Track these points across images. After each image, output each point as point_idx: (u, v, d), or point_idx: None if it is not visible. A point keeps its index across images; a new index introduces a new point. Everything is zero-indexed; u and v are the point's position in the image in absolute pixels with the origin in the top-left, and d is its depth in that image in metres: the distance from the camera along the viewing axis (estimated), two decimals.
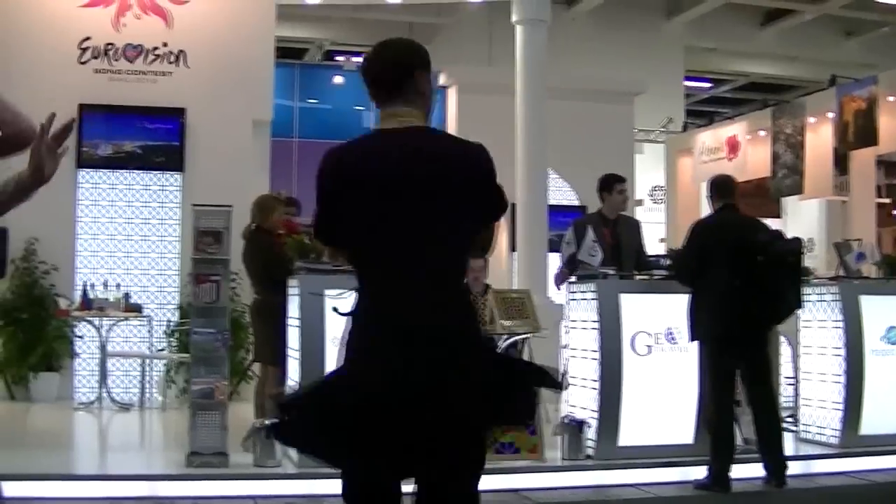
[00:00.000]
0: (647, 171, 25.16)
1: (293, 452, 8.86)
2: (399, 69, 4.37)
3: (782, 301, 9.17)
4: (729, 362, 9.14)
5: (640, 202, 23.59)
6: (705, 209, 22.84)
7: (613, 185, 10.93)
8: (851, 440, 10.45)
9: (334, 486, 8.37)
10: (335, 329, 8.91)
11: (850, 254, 11.39)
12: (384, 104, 4.32)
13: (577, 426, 9.61)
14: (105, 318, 13.71)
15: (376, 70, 4.41)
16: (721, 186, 9.64)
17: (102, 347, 13.65)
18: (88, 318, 13.76)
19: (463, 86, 19.80)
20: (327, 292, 8.93)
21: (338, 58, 24.36)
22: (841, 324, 10.48)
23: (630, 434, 9.60)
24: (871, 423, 10.52)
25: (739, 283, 8.95)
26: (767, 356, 9.49)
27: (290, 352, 9.63)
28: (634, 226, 11.23)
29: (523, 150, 15.53)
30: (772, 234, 9.33)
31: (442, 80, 20.26)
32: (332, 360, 8.86)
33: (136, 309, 14.00)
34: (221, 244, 9.43)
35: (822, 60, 26.60)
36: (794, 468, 9.57)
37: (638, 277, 10.41)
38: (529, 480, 9.16)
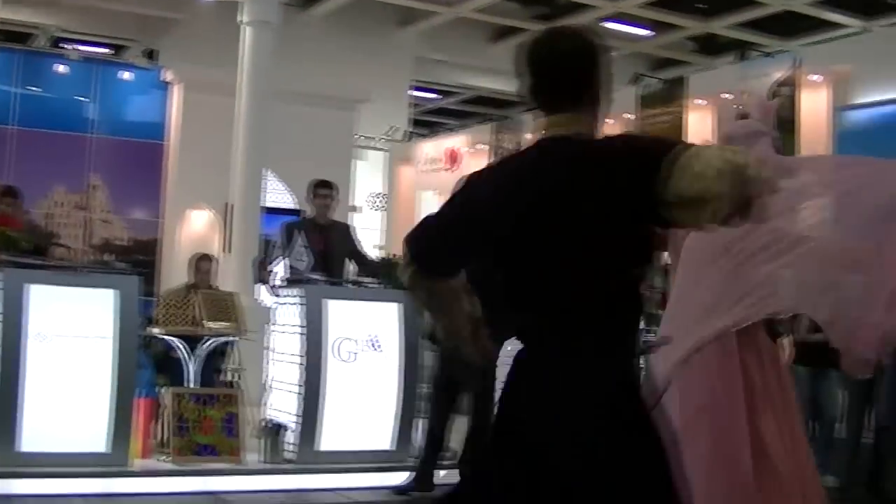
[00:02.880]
0: (369, 178, 25.27)
1: None
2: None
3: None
4: (456, 370, 9.30)
5: (354, 208, 23.66)
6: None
7: (314, 189, 10.90)
8: None
9: (31, 487, 8.24)
10: (39, 324, 8.73)
11: None
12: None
13: (276, 429, 9.60)
14: None
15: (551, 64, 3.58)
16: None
17: None
18: None
19: (188, 84, 19.57)
20: (32, 287, 8.79)
21: (64, 46, 23.76)
22: None
23: (330, 439, 9.62)
24: None
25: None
26: (492, 369, 9.67)
27: None
28: (346, 231, 11.23)
29: (242, 151, 15.44)
30: None
31: (167, 76, 20.00)
32: (32, 357, 8.66)
33: None
34: None
35: None
36: None
37: (346, 284, 10.47)
38: (228, 483, 9.10)
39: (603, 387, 3.30)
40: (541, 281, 3.35)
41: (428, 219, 3.57)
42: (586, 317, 3.33)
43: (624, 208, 3.23)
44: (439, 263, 3.51)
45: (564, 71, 3.50)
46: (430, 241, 3.51)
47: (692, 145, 3.20)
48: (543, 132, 3.46)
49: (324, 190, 10.83)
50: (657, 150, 3.20)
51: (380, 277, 10.52)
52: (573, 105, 3.45)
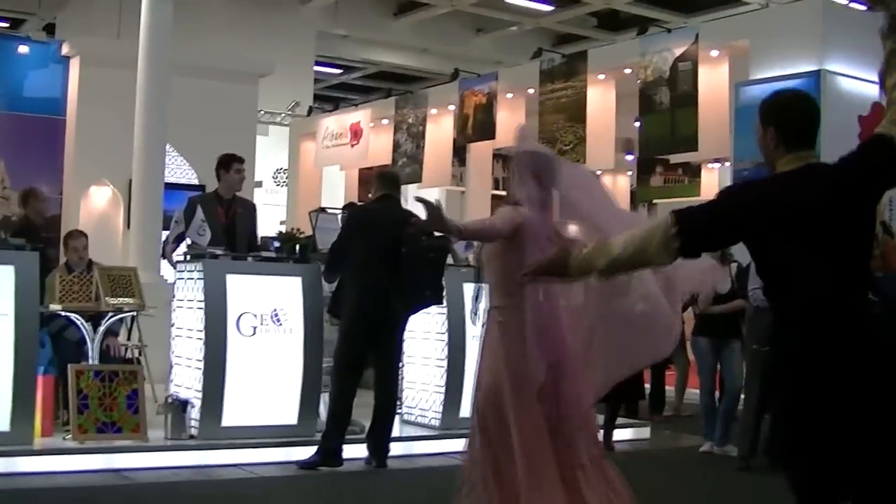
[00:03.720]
0: (271, 154, 25.18)
1: None
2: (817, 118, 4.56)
3: (419, 293, 9.42)
4: (361, 344, 9.36)
5: (259, 184, 23.59)
6: (327, 194, 23.16)
7: (231, 164, 10.75)
8: (451, 422, 10.74)
9: None
10: None
11: (457, 243, 11.70)
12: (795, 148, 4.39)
13: (180, 405, 9.55)
14: None
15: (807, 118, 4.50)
16: (384, 178, 9.94)
17: None
18: None
19: (86, 58, 19.29)
20: None
21: None
22: (445, 310, 10.73)
23: (234, 414, 9.58)
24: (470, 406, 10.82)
25: (384, 271, 9.15)
26: (397, 343, 9.74)
27: None
28: (251, 208, 11.13)
29: (142, 125, 15.22)
30: (420, 229, 9.52)
31: (65, 50, 19.74)
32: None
33: None
34: None
35: (451, 54, 27.26)
36: (396, 449, 9.83)
37: (249, 259, 10.42)
38: (131, 460, 9.06)
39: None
40: (810, 265, 4.17)
41: (700, 206, 4.41)
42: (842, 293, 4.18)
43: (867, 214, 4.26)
44: (701, 241, 4.39)
45: (812, 120, 4.45)
46: (700, 221, 4.31)
47: None
48: (791, 164, 4.32)
49: (241, 165, 10.73)
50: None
51: (281, 252, 10.51)
52: (812, 143, 4.39)
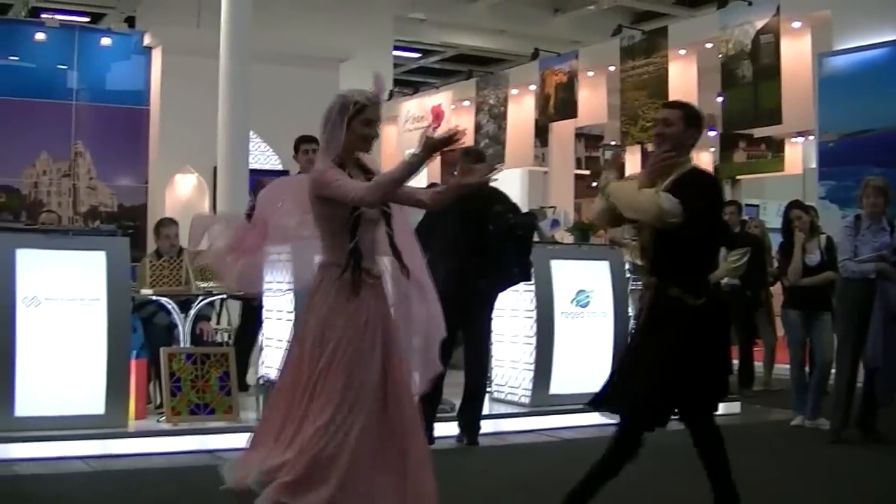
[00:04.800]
0: None
1: None
2: None
3: (507, 271, 9.42)
4: (450, 324, 9.36)
5: None
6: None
7: (299, 146, 10.78)
8: (541, 399, 10.75)
9: (25, 451, 8.25)
10: (27, 289, 8.74)
11: (544, 220, 11.70)
12: None
13: (271, 386, 9.59)
14: None
15: None
16: (468, 155, 9.85)
17: None
18: None
19: (168, 47, 19.46)
20: (20, 252, 8.82)
21: (43, 15, 23.65)
22: (533, 287, 10.73)
23: None
24: (560, 383, 10.84)
25: (471, 249, 9.16)
26: (486, 322, 9.75)
27: None
28: None
29: (225, 113, 15.35)
30: (508, 207, 9.53)
31: (147, 40, 19.90)
32: (23, 321, 8.67)
33: None
34: None
35: (529, 35, 27.14)
36: (486, 427, 9.85)
37: None
38: (224, 441, 9.08)
39: None
40: None
41: None
42: None
43: None
44: None
45: None
46: None
47: None
48: None
49: (309, 145, 10.73)
50: None
51: None
52: None
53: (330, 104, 5.83)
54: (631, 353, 6.31)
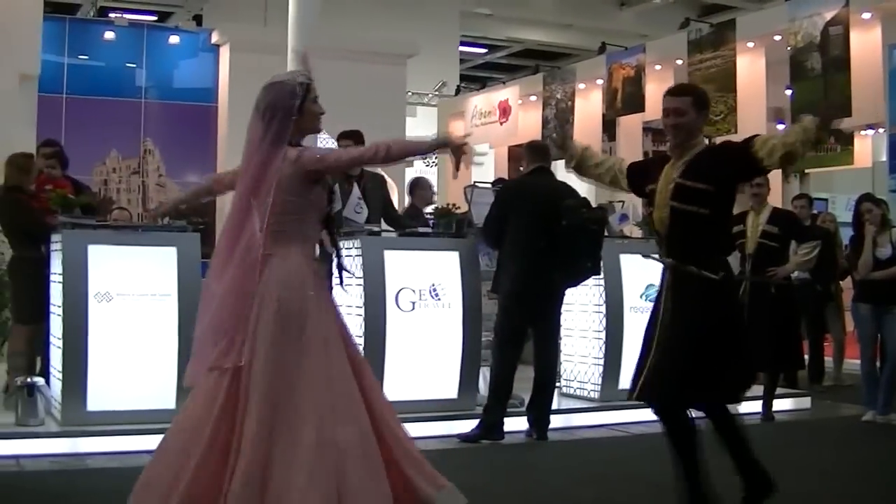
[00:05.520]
0: (420, 135, 25.28)
1: (57, 411, 8.82)
2: None
3: (580, 265, 9.41)
4: (520, 320, 9.39)
5: (410, 163, 23.73)
6: (477, 172, 23.17)
7: (339, 141, 10.85)
8: (610, 394, 10.72)
9: (98, 445, 8.32)
10: (98, 285, 8.82)
11: (613, 215, 11.66)
12: None
13: None
14: None
15: None
16: (535, 150, 9.89)
17: None
18: None
19: (236, 45, 19.60)
20: (92, 248, 8.87)
21: (111, 14, 23.84)
22: (602, 282, 10.71)
23: (394, 389, 9.42)
24: (630, 377, 10.75)
25: (543, 244, 9.16)
26: (556, 316, 9.75)
27: (52, 308, 9.43)
28: (379, 181, 11.13)
29: None
30: (579, 201, 9.52)
31: (214, 38, 20.03)
32: (95, 317, 8.75)
33: None
34: None
35: (595, 29, 27.09)
36: (555, 421, 9.84)
37: (401, 234, 10.49)
38: None
39: None
40: None
41: None
42: None
43: None
44: None
45: None
46: None
47: None
48: None
49: (345, 140, 10.75)
50: None
51: (439, 227, 10.56)
52: None
53: (268, 95, 5.55)
54: (659, 336, 6.24)
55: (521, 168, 10.37)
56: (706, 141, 6.63)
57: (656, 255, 6.35)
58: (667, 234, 6.24)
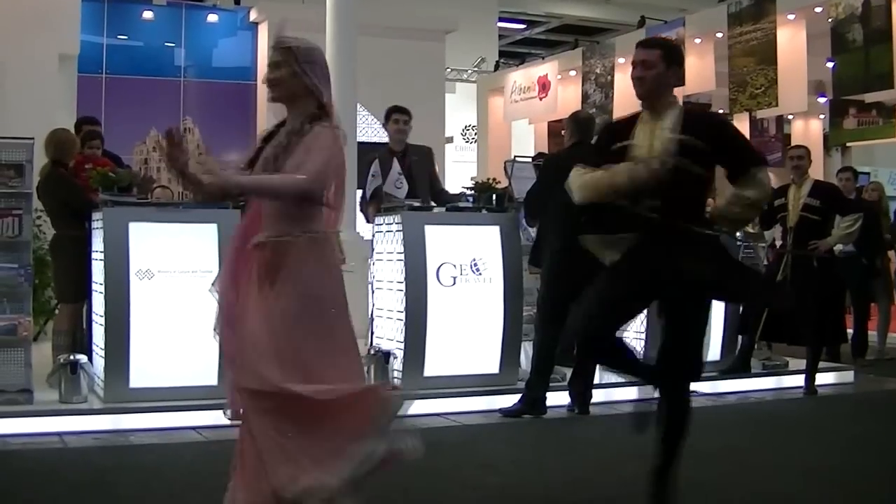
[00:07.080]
0: (460, 111, 25.30)
1: (99, 388, 8.86)
2: None
3: None
4: (563, 295, 9.35)
5: (450, 139, 23.73)
6: (516, 148, 23.17)
7: (389, 116, 10.89)
8: None
9: (141, 421, 8.36)
10: (140, 262, 8.85)
11: None
12: None
13: (383, 357, 9.65)
14: None
15: None
16: (577, 122, 9.76)
17: None
18: None
19: (274, 22, 19.58)
20: (133, 225, 8.90)
21: None
22: None
23: (436, 364, 9.65)
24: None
25: (583, 222, 9.12)
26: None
27: (94, 286, 9.47)
28: (424, 153, 11.14)
29: (332, 86, 15.34)
30: None
31: (253, 16, 20.04)
32: (137, 294, 8.78)
33: None
34: (23, 177, 9.19)
35: (634, 4, 26.89)
36: (597, 396, 9.84)
37: (439, 209, 10.47)
38: None
39: None
40: None
41: None
42: None
43: None
44: None
45: None
46: None
47: None
48: None
49: (400, 115, 10.75)
50: None
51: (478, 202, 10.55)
52: None
53: (317, 51, 5.35)
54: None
55: (564, 136, 10.31)
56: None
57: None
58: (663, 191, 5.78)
